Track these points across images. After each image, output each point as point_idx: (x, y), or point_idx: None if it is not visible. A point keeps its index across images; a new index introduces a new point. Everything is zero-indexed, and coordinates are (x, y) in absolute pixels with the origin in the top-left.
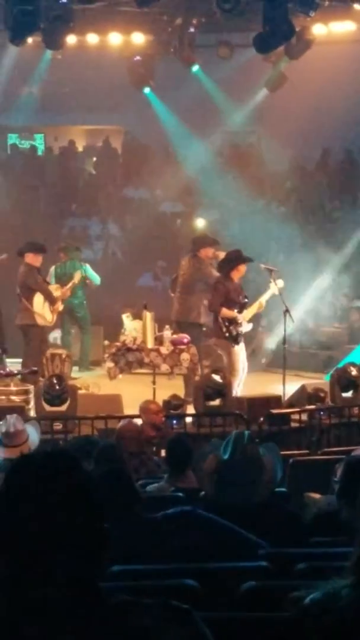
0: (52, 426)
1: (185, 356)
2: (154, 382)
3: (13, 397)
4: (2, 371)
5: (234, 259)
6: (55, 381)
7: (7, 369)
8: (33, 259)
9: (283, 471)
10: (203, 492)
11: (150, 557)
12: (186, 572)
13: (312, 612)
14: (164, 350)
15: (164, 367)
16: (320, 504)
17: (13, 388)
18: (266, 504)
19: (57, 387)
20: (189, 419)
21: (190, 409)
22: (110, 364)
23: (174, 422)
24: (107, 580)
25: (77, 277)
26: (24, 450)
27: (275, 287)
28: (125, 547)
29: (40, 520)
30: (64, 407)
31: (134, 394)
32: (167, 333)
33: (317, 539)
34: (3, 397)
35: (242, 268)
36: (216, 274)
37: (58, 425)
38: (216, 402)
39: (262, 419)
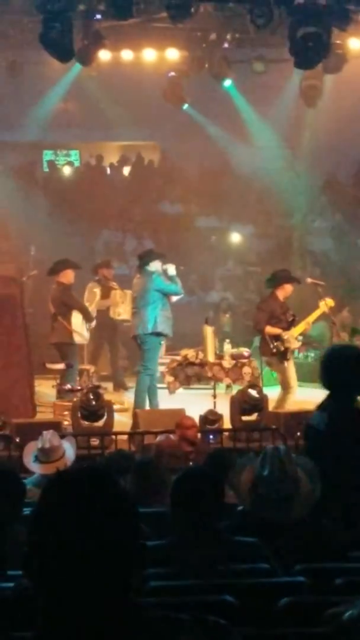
0: (88, 442)
1: (247, 370)
2: (214, 396)
3: None
4: (66, 387)
5: (282, 277)
6: (91, 397)
7: (67, 385)
8: (66, 276)
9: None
10: (240, 508)
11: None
12: (224, 588)
13: (350, 629)
14: (226, 364)
15: (226, 381)
16: None
17: None
18: (302, 518)
19: (94, 403)
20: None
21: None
22: (170, 378)
23: (211, 437)
24: (144, 596)
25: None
26: (60, 466)
27: (325, 306)
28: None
29: (76, 537)
30: (100, 423)
31: (196, 409)
32: (227, 347)
33: (355, 554)
34: (66, 412)
35: (289, 287)
36: None
37: (95, 441)
38: (252, 416)
39: (298, 433)
